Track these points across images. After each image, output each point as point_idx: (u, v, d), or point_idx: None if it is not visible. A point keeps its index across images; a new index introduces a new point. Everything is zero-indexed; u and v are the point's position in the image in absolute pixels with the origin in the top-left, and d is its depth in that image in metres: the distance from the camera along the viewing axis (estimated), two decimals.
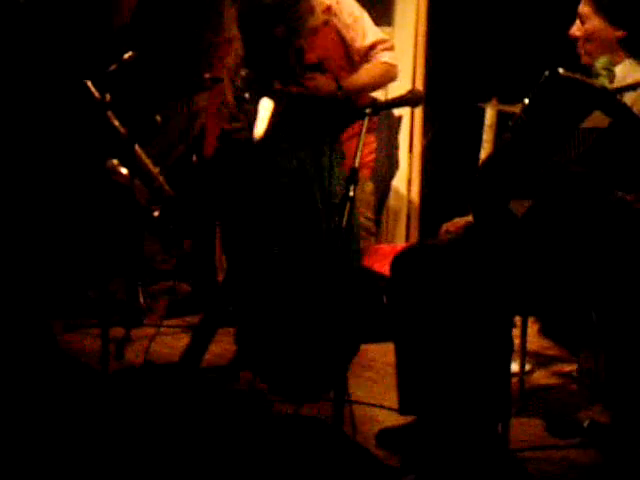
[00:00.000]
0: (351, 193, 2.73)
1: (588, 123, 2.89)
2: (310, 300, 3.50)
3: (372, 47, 3.95)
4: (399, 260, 3.23)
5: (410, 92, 3.22)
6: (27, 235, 4.32)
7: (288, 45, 3.68)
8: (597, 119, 2.88)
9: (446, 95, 5.17)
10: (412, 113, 5.07)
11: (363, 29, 3.95)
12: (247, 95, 3.71)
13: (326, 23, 3.90)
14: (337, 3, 3.94)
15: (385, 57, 3.95)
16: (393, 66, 3.98)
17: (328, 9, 3.91)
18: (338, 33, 3.94)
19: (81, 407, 3.21)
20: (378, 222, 4.71)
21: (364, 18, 3.98)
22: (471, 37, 5.50)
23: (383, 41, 3.97)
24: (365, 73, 3.95)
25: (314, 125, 3.71)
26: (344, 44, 3.95)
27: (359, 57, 3.96)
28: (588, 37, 3.19)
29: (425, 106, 4.91)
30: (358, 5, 4.02)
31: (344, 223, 2.69)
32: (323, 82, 3.76)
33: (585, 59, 3.23)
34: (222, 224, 4.16)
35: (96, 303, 4.26)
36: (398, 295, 3.19)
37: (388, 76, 4.00)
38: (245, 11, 3.75)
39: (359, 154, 2.82)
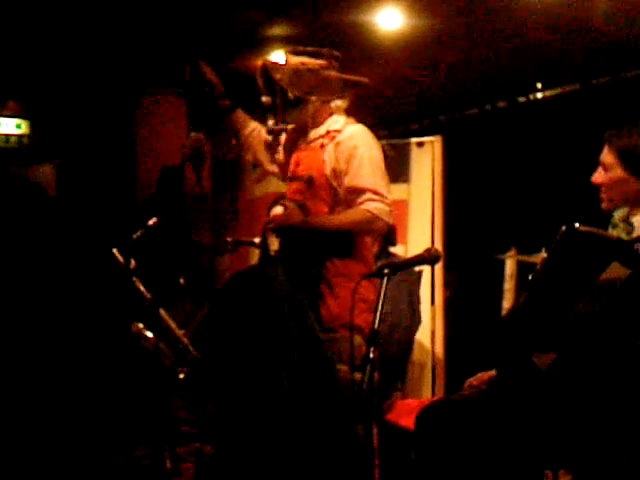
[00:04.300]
0: (371, 355, 2.72)
1: (608, 274, 2.90)
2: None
3: (360, 191, 3.64)
4: (424, 415, 3.23)
5: (427, 251, 3.23)
6: (55, 401, 4.34)
7: None
8: (616, 270, 2.90)
9: (465, 247, 5.23)
10: (432, 267, 5.11)
11: (360, 170, 3.64)
12: None
13: (322, 146, 3.73)
14: (350, 137, 3.69)
15: (370, 206, 3.61)
16: (377, 217, 3.60)
17: (330, 136, 3.73)
18: (332, 166, 3.69)
19: None
20: (403, 377, 4.70)
21: (371, 165, 3.66)
22: (488, 190, 5.62)
23: (376, 192, 3.62)
24: (342, 216, 3.67)
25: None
26: (335, 179, 3.69)
27: (344, 197, 3.69)
28: (610, 185, 3.24)
29: (445, 259, 4.94)
30: (379, 157, 3.71)
31: (365, 385, 2.69)
32: (291, 212, 3.71)
33: (606, 205, 3.27)
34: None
35: (122, 469, 4.23)
36: (425, 450, 3.17)
37: (368, 226, 3.65)
38: None
39: (378, 315, 2.82)
